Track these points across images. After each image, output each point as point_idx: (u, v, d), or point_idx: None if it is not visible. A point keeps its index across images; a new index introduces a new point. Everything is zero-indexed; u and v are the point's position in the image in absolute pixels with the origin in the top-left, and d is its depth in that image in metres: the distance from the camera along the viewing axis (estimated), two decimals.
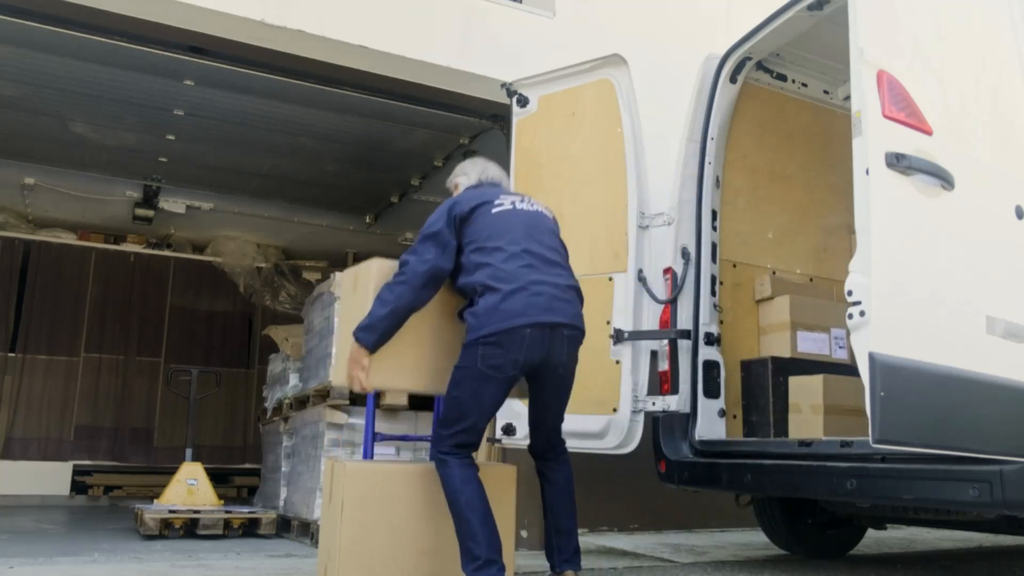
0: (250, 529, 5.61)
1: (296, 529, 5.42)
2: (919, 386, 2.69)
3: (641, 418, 4.13)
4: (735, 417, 4.30)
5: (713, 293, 4.25)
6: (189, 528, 5.42)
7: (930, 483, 2.96)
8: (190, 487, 5.97)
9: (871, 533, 5.27)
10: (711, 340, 4.19)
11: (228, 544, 5.11)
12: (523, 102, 4.73)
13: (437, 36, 5.22)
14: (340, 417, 5.05)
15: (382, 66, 5.15)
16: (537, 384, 3.24)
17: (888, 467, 3.08)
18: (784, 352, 4.33)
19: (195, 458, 6.38)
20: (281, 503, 5.94)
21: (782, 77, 4.76)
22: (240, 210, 8.76)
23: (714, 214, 4.32)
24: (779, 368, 4.23)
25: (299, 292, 9.81)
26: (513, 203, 3.32)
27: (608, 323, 4.21)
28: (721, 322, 4.32)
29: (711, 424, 4.10)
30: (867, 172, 2.78)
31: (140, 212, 8.53)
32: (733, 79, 4.41)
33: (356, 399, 5.02)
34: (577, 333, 3.22)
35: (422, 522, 3.27)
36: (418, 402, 5.10)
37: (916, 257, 2.81)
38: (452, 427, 3.11)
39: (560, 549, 3.25)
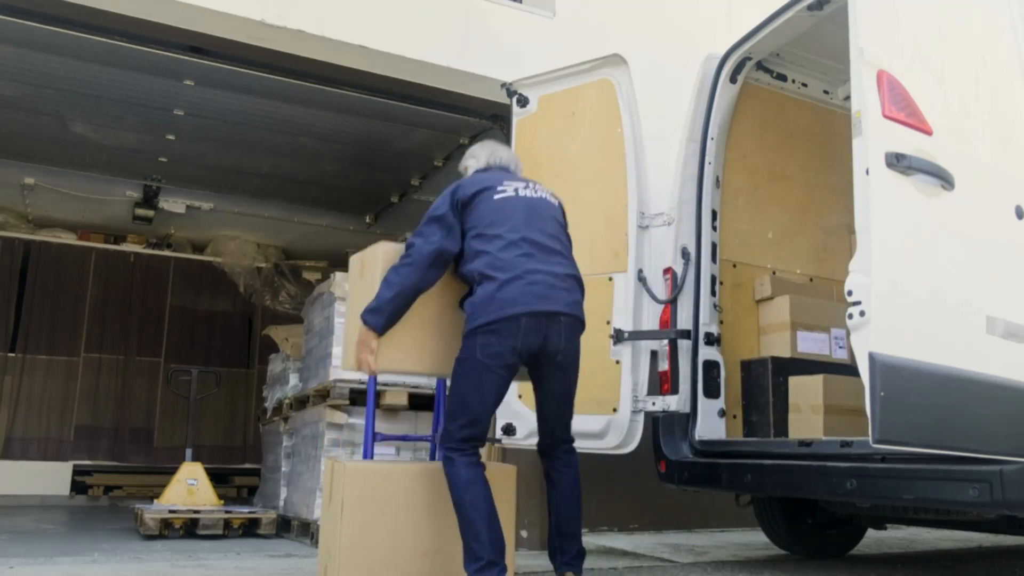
0: (250, 529, 5.61)
1: (296, 529, 5.42)
2: (919, 386, 2.69)
3: (641, 418, 4.13)
4: (735, 417, 4.30)
5: (713, 293, 4.25)
6: (189, 528, 5.42)
7: (930, 483, 2.96)
8: (190, 487, 5.97)
9: (871, 533, 5.27)
10: (711, 340, 4.19)
11: (228, 544, 5.11)
12: (523, 102, 4.73)
13: (437, 36, 5.22)
14: (340, 417, 5.05)
15: (382, 66, 5.15)
16: (538, 374, 3.24)
17: (888, 467, 3.08)
18: (784, 352, 4.33)
19: (195, 458, 6.38)
20: (281, 503, 5.94)
21: (782, 77, 4.76)
22: (240, 210, 8.75)
23: (714, 214, 4.32)
24: (779, 368, 4.23)
25: (299, 292, 9.81)
26: (516, 189, 3.32)
27: (608, 323, 4.21)
28: (721, 322, 4.32)
29: (711, 424, 4.10)
30: (867, 172, 2.78)
31: (140, 212, 8.53)
32: (733, 79, 4.41)
33: (356, 399, 5.02)
34: (574, 321, 3.21)
35: (422, 522, 3.27)
36: (418, 402, 5.10)
37: (916, 257, 2.81)
38: (457, 420, 3.11)
39: (563, 551, 3.24)
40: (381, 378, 4.50)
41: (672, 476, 4.04)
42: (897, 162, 2.80)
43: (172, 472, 6.23)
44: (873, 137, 2.80)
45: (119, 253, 9.74)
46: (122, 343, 9.66)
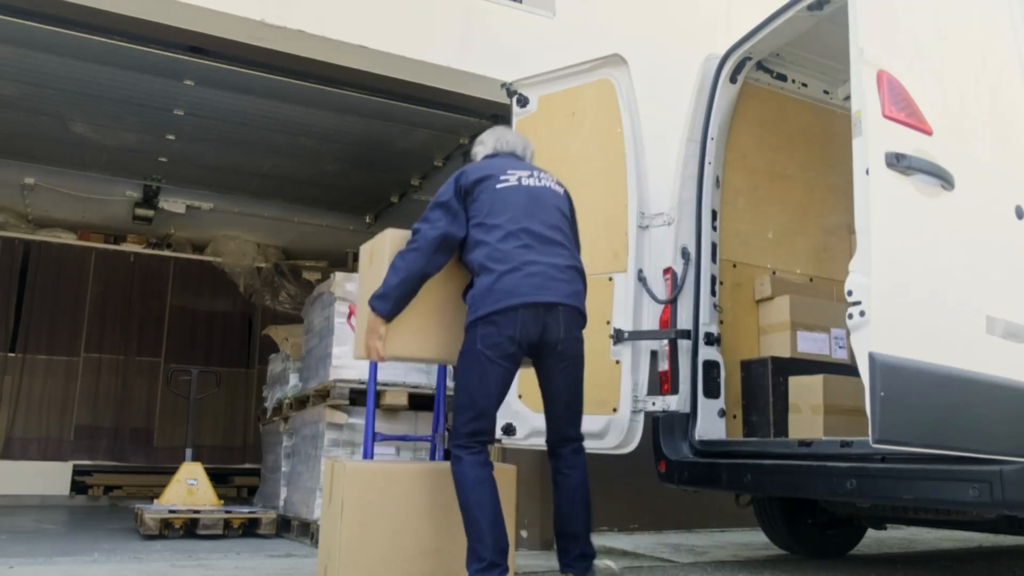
0: (250, 529, 5.61)
1: (296, 529, 5.42)
2: (919, 386, 2.69)
3: (641, 418, 4.12)
4: (735, 417, 4.30)
5: (713, 293, 4.25)
6: (189, 528, 5.42)
7: (930, 483, 2.96)
8: (190, 487, 5.97)
9: (871, 533, 5.27)
10: (711, 340, 4.19)
11: (228, 544, 5.11)
12: (523, 102, 4.73)
13: (437, 36, 5.22)
14: (340, 417, 5.05)
15: (382, 66, 5.15)
16: (540, 366, 3.25)
17: (888, 467, 3.08)
18: (784, 352, 4.33)
19: (195, 458, 6.38)
20: (281, 503, 5.94)
21: (782, 77, 4.76)
22: (240, 210, 8.75)
23: (714, 214, 4.32)
24: (779, 368, 4.23)
25: (299, 292, 9.80)
26: (519, 179, 3.31)
27: (608, 323, 4.21)
28: (721, 322, 4.32)
29: (711, 424, 4.10)
30: (867, 172, 2.78)
31: (140, 212, 8.53)
32: (733, 79, 4.41)
33: (356, 399, 5.02)
34: (574, 311, 3.20)
35: (422, 522, 3.27)
36: (418, 402, 5.10)
37: (916, 257, 2.81)
38: (464, 415, 3.11)
39: (565, 552, 3.24)
40: (381, 378, 4.50)
41: (672, 476, 4.04)
42: (897, 162, 2.80)
43: (172, 472, 6.23)
44: (873, 137, 2.80)
45: (119, 253, 9.74)
46: (122, 343, 9.66)
